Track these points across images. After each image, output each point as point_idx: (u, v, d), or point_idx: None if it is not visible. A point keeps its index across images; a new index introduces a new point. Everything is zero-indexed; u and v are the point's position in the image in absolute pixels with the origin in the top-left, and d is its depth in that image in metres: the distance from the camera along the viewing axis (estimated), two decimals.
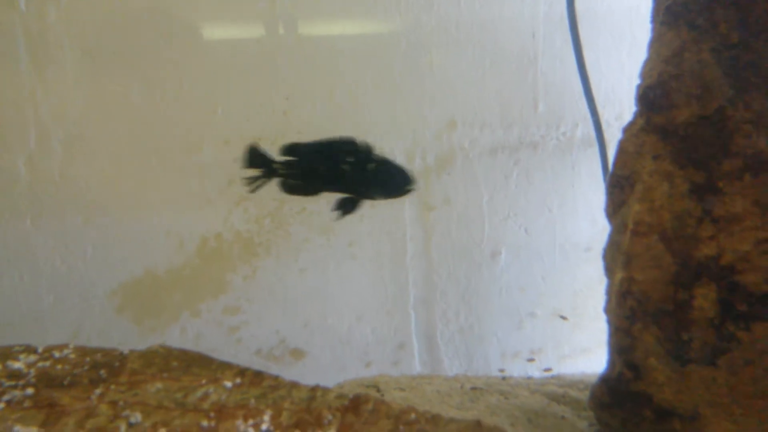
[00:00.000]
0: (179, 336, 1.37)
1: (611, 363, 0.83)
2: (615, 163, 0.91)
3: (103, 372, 0.70)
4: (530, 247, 1.50)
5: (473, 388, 1.07)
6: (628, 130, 0.90)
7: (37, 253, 1.34)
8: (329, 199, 1.39)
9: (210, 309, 1.37)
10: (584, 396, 1.02)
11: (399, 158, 1.42)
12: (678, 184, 0.79)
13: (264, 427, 0.63)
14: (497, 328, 1.50)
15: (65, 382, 0.68)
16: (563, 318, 1.49)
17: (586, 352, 1.52)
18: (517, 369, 1.47)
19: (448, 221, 1.45)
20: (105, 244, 1.34)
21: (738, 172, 0.75)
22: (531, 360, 1.49)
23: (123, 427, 0.62)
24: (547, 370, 1.48)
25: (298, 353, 1.42)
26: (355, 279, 1.42)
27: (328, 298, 1.41)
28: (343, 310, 1.42)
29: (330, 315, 1.42)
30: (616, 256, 0.88)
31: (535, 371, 1.44)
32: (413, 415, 0.62)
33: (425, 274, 1.46)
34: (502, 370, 1.48)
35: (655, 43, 0.87)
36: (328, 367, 1.42)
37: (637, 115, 0.87)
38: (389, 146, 1.41)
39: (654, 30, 0.88)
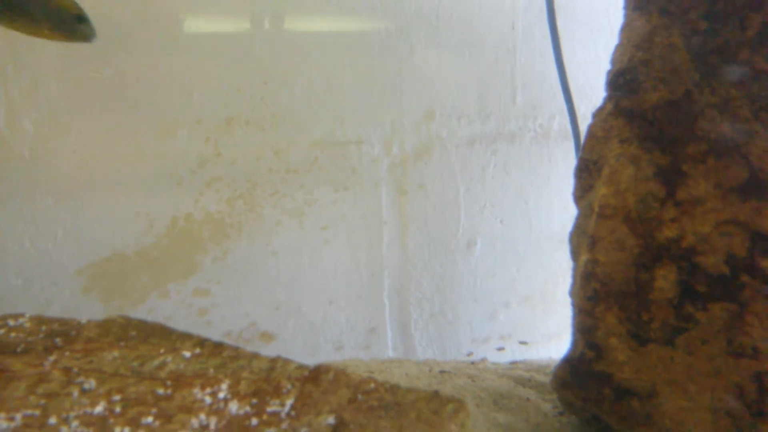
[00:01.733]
0: (148, 317, 1.35)
1: (574, 343, 0.83)
2: (584, 148, 0.92)
3: (58, 340, 0.69)
4: (506, 238, 1.51)
5: (441, 372, 1.07)
6: (597, 115, 0.91)
7: (6, 234, 1.31)
8: (302, 182, 1.38)
9: (179, 290, 1.36)
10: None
11: (376, 147, 1.42)
12: (643, 168, 0.80)
13: (221, 395, 0.62)
14: (471, 317, 1.50)
15: (18, 349, 0.67)
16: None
17: (555, 338, 1.53)
18: (488, 356, 1.47)
19: (424, 211, 1.45)
20: (75, 225, 1.32)
21: (701, 155, 0.76)
22: (501, 349, 1.50)
23: (76, 392, 0.61)
24: (500, 349, 1.49)
25: (268, 336, 1.41)
26: (328, 263, 1.41)
27: (300, 281, 1.40)
28: (316, 294, 1.42)
29: (302, 299, 1.41)
30: (581, 239, 0.89)
31: (504, 358, 1.45)
32: (372, 385, 0.62)
33: (400, 263, 1.46)
34: (470, 354, 1.48)
35: (626, 28, 0.87)
36: (298, 351, 1.41)
37: (607, 99, 0.88)
38: (367, 134, 1.41)
39: (626, 16, 0.88)
